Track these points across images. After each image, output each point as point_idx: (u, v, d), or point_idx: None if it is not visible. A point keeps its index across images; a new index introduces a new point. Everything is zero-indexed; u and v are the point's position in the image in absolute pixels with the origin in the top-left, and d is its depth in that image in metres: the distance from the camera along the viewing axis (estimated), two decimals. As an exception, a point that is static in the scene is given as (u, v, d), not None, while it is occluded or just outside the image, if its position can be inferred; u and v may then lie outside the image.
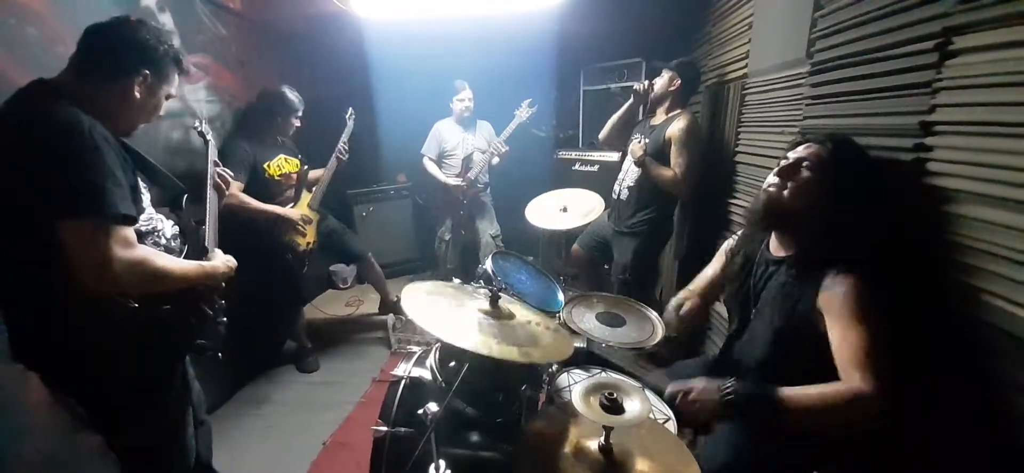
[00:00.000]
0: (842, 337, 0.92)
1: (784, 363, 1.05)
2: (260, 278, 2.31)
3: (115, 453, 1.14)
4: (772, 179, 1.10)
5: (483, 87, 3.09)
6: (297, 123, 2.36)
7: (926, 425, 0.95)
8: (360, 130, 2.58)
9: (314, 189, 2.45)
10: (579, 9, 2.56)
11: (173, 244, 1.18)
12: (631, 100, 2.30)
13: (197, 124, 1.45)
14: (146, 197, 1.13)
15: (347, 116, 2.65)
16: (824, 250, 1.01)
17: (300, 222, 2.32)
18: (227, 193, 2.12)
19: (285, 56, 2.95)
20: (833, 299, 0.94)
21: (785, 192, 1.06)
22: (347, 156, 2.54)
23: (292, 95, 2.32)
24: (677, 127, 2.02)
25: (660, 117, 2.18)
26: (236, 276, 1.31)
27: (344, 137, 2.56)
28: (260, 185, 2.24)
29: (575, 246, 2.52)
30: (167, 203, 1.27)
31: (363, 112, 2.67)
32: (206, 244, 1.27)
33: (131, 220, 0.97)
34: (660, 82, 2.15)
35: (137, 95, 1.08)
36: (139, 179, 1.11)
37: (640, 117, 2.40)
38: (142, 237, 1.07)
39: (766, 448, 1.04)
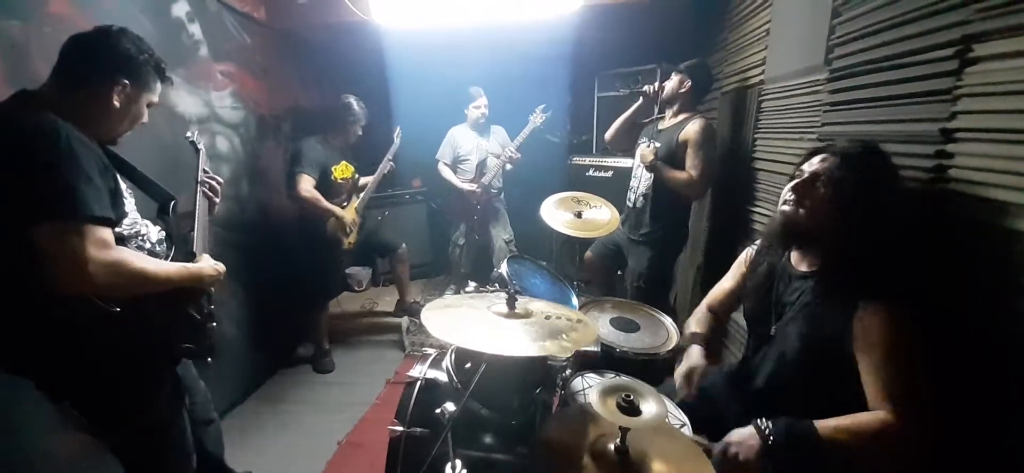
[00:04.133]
0: (872, 369, 0.91)
1: (808, 380, 1.03)
2: (302, 271, 2.55)
3: (113, 453, 1.16)
4: (788, 196, 1.06)
5: (498, 93, 3.13)
6: (359, 132, 2.59)
7: (962, 450, 0.92)
8: (378, 136, 2.65)
9: (362, 195, 2.62)
10: (594, 16, 2.58)
11: (158, 249, 1.18)
12: (639, 102, 2.29)
13: (188, 133, 1.49)
14: (130, 202, 1.15)
15: (394, 134, 2.83)
16: (850, 268, 0.98)
17: (351, 223, 2.52)
18: (301, 186, 2.31)
19: (307, 64, 3.03)
20: (865, 331, 0.92)
21: (802, 210, 1.02)
22: (390, 171, 2.76)
23: (359, 106, 2.53)
24: (693, 129, 2.00)
25: (669, 121, 2.17)
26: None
27: (390, 154, 2.75)
28: (327, 185, 2.44)
29: (588, 253, 2.52)
30: (158, 210, 1.29)
31: (381, 118, 2.74)
32: (194, 249, 1.27)
33: (107, 222, 0.98)
34: (670, 84, 2.14)
35: (116, 103, 1.08)
36: (122, 184, 1.12)
37: (648, 119, 2.39)
38: (125, 241, 1.08)
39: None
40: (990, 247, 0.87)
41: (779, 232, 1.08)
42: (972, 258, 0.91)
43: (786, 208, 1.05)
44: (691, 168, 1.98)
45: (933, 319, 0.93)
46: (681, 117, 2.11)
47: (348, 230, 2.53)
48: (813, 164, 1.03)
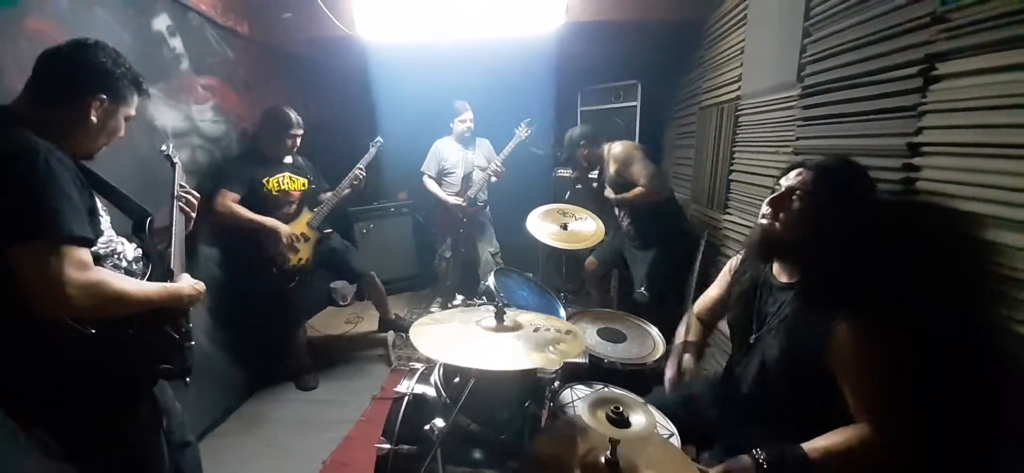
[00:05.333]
0: (849, 383, 0.94)
1: (790, 389, 1.05)
2: (246, 289, 2.37)
3: None
4: (765, 209, 1.08)
5: (483, 107, 3.15)
6: (292, 141, 2.34)
7: (942, 456, 0.95)
8: (363, 150, 2.61)
9: (317, 209, 2.46)
10: (576, 33, 2.63)
11: (134, 267, 1.16)
12: (592, 186, 2.55)
13: (163, 147, 1.45)
14: (106, 220, 1.12)
15: (372, 143, 2.66)
16: (828, 280, 1.00)
17: (290, 237, 2.31)
18: (219, 202, 2.14)
19: (290, 78, 3.01)
20: (841, 345, 0.94)
21: (778, 224, 1.05)
22: (362, 182, 2.54)
23: (288, 113, 2.31)
24: (611, 155, 2.33)
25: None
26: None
27: (362, 162, 2.56)
28: (258, 198, 2.27)
29: (590, 258, 2.57)
30: (133, 227, 1.25)
31: (366, 132, 2.71)
32: (171, 266, 1.24)
33: (86, 242, 0.95)
34: (580, 160, 2.50)
35: (93, 118, 1.06)
36: (98, 202, 1.09)
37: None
38: (101, 260, 1.05)
39: None
40: (956, 256, 0.91)
41: (757, 245, 1.12)
42: (940, 267, 0.95)
43: (763, 221, 1.08)
44: (636, 179, 2.25)
45: (906, 329, 0.96)
46: (602, 157, 2.44)
47: (294, 243, 2.33)
48: (789, 179, 1.06)
